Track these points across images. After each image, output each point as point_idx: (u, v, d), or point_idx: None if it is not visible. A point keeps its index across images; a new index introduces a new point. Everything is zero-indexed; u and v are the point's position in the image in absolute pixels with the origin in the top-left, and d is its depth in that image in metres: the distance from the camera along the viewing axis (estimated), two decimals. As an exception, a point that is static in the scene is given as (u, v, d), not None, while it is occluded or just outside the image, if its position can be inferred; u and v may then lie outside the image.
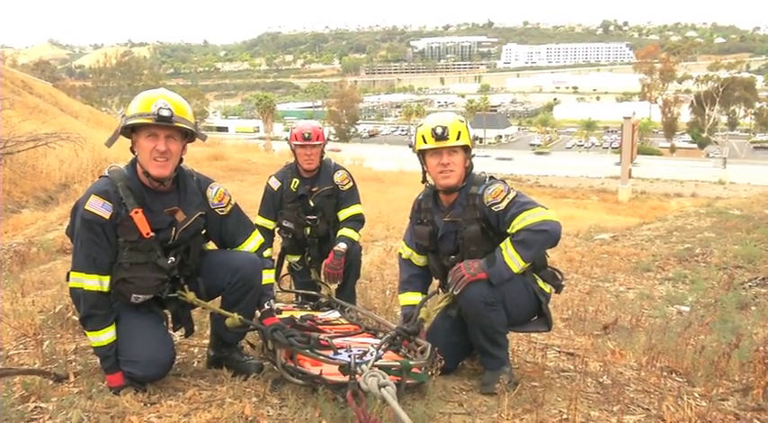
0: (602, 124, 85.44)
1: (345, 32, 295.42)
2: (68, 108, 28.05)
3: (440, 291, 3.18)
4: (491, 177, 3.02)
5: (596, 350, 3.54)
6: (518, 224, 2.77)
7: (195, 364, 3.06)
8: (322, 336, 2.99)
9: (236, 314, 2.82)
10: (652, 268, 6.63)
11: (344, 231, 4.19)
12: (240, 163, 24.13)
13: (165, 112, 2.50)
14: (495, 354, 2.89)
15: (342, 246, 4.10)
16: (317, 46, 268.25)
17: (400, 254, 3.33)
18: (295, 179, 4.23)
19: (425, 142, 2.93)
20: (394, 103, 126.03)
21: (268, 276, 3.01)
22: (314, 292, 4.22)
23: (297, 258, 4.41)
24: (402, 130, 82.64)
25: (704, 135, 69.48)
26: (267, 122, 71.74)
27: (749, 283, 5.71)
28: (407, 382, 2.53)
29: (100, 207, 2.58)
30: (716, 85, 71.75)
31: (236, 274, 2.83)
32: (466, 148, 2.94)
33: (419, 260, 3.24)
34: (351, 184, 4.30)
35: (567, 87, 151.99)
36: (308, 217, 4.22)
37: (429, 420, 2.40)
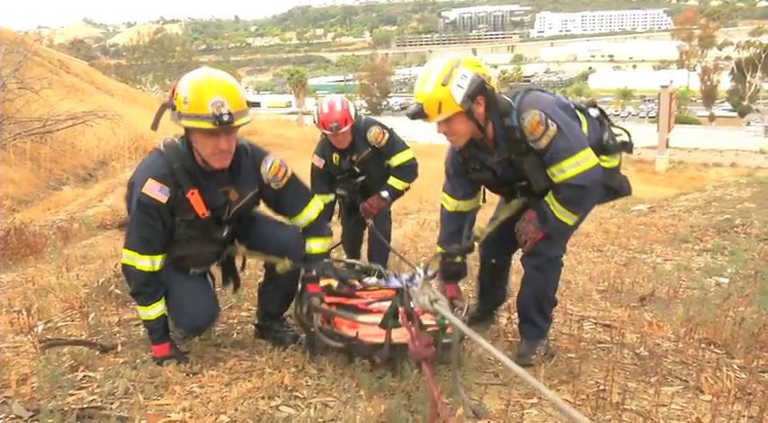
0: (639, 93, 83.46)
1: (376, 5, 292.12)
2: (104, 86, 28.47)
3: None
4: (517, 95, 2.75)
5: (633, 322, 3.52)
6: (558, 174, 2.63)
7: (235, 336, 3.13)
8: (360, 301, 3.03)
9: (286, 259, 2.83)
10: (690, 239, 6.52)
11: (390, 181, 4.35)
12: (274, 138, 24.29)
13: (226, 118, 2.42)
14: (538, 323, 2.88)
15: (384, 193, 4.31)
16: (347, 19, 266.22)
17: (443, 206, 3.10)
18: (335, 154, 4.32)
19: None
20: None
21: (321, 245, 2.99)
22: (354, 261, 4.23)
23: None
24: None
25: (745, 103, 67.46)
26: (299, 97, 71.67)
27: (791, 254, 5.59)
28: (444, 342, 2.50)
29: (157, 191, 2.59)
30: (758, 51, 69.36)
31: (284, 253, 2.86)
32: (463, 113, 2.59)
33: (467, 206, 3.03)
34: (386, 135, 4.27)
35: (603, 56, 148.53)
36: (358, 181, 4.37)
37: (466, 391, 2.43)
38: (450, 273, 3.08)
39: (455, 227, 3.06)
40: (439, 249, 3.08)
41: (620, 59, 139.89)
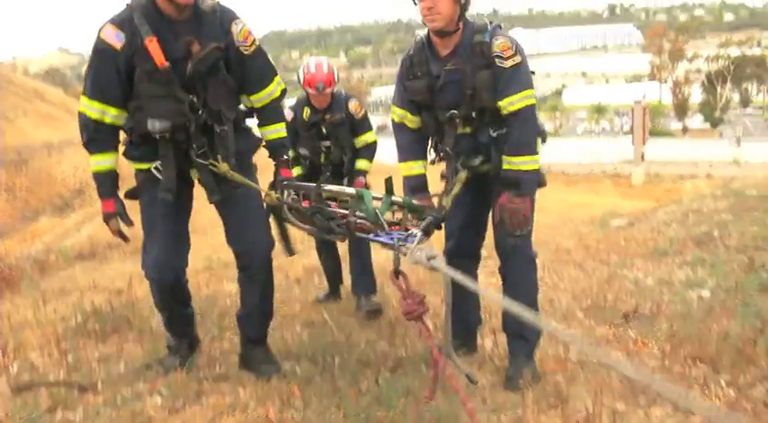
0: (613, 108, 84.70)
1: (350, 27, 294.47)
2: (79, 114, 28.21)
3: (434, 153, 3.09)
4: (492, 23, 2.88)
5: (618, 340, 3.52)
6: (508, 106, 2.74)
7: (218, 369, 3.07)
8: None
9: (272, 193, 2.89)
10: (670, 253, 6.55)
11: (360, 164, 4.40)
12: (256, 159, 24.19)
13: None
14: (528, 336, 2.89)
15: (361, 179, 4.36)
16: (322, 41, 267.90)
17: (393, 119, 3.12)
18: (306, 108, 4.33)
19: None
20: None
21: (281, 129, 3.02)
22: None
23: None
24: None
25: (717, 114, 68.69)
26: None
27: (770, 265, 5.63)
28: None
29: (114, 37, 2.55)
30: (727, 63, 70.84)
31: (249, 252, 2.92)
32: None
33: (414, 121, 3.03)
34: (363, 111, 4.44)
35: (576, 72, 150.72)
36: (323, 144, 4.34)
37: (454, 419, 2.39)
38: (416, 186, 3.06)
39: (405, 142, 3.08)
40: (403, 167, 3.08)
41: (592, 75, 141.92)
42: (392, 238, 2.47)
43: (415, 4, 2.82)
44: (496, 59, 2.73)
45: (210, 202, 2.86)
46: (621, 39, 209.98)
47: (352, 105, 4.37)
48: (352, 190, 2.74)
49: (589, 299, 4.63)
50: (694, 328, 3.44)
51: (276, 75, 2.95)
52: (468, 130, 2.89)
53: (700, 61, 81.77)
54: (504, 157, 2.79)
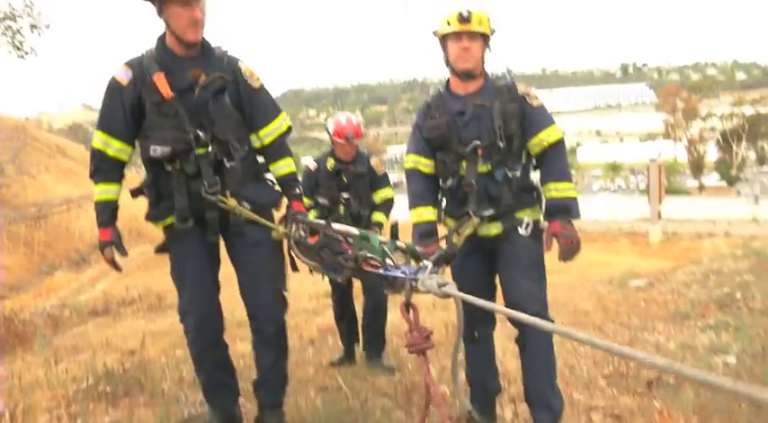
0: (628, 166, 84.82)
1: (366, 86, 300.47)
2: (100, 169, 28.71)
3: (443, 200, 3.15)
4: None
5: (643, 411, 3.39)
6: (546, 138, 2.96)
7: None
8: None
9: (280, 227, 2.91)
10: (692, 316, 6.41)
11: (376, 216, 4.49)
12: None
13: None
14: (553, 404, 2.87)
15: (376, 229, 4.42)
16: (338, 99, 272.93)
17: (406, 168, 3.19)
18: (331, 158, 4.46)
19: (449, 25, 2.95)
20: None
21: (289, 164, 3.06)
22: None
23: None
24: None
25: (733, 172, 68.48)
26: (294, 176, 72.73)
27: (796, 329, 5.48)
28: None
29: (122, 74, 2.75)
30: (741, 121, 71.04)
31: (259, 312, 2.98)
32: (485, 38, 2.98)
33: (428, 165, 3.11)
34: (384, 170, 4.62)
35: (590, 130, 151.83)
36: (343, 195, 4.41)
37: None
38: (425, 233, 3.07)
39: (418, 188, 3.14)
40: (413, 213, 3.12)
41: (606, 133, 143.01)
42: (403, 272, 2.45)
43: (443, 50, 3.03)
44: (525, 97, 2.99)
45: (209, 241, 2.90)
46: (635, 98, 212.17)
47: (374, 162, 4.57)
48: (357, 230, 2.70)
49: (610, 365, 4.50)
50: (722, 399, 3.31)
51: (282, 111, 3.07)
52: (486, 168, 2.95)
53: (714, 120, 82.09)
54: (548, 186, 2.98)
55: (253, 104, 2.93)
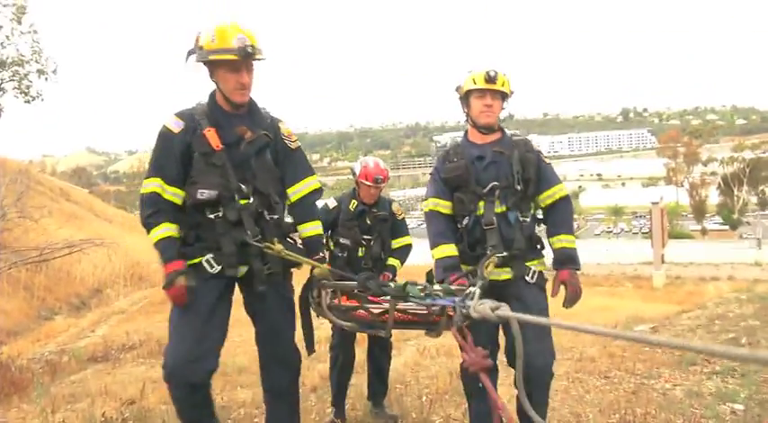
0: (630, 209, 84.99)
1: (369, 130, 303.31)
2: (103, 213, 28.84)
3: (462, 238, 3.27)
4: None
5: (651, 462, 3.32)
6: (558, 192, 3.32)
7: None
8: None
9: (324, 265, 3.02)
10: (698, 361, 6.32)
11: (392, 261, 4.52)
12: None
13: (249, 50, 2.80)
14: None
15: (389, 275, 4.43)
16: (342, 144, 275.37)
17: (426, 211, 3.40)
18: (354, 201, 4.47)
19: (475, 83, 3.25)
20: (420, 197, 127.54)
21: (315, 226, 3.18)
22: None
23: None
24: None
25: (735, 216, 68.49)
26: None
27: (804, 376, 5.39)
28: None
29: (173, 123, 2.92)
30: (742, 165, 71.42)
31: (276, 368, 3.06)
32: (504, 96, 3.32)
33: (447, 206, 3.31)
34: (403, 215, 4.70)
35: (592, 175, 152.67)
36: (365, 237, 4.41)
37: None
38: (449, 266, 3.17)
39: (439, 229, 3.30)
40: (435, 251, 3.24)
41: (608, 178, 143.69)
42: (452, 301, 2.50)
43: (464, 104, 3.38)
44: (540, 154, 3.35)
45: (258, 290, 2.95)
46: (636, 143, 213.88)
47: (395, 207, 4.64)
48: (392, 285, 2.71)
49: (617, 414, 4.43)
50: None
51: (314, 173, 3.25)
52: (502, 209, 3.20)
53: (715, 164, 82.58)
54: (558, 237, 3.29)
55: (288, 163, 3.12)
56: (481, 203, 3.20)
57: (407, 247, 4.66)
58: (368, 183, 4.38)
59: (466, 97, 3.35)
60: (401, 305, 2.76)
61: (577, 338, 7.92)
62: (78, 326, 11.35)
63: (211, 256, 2.87)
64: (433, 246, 3.27)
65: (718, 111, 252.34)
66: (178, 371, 2.80)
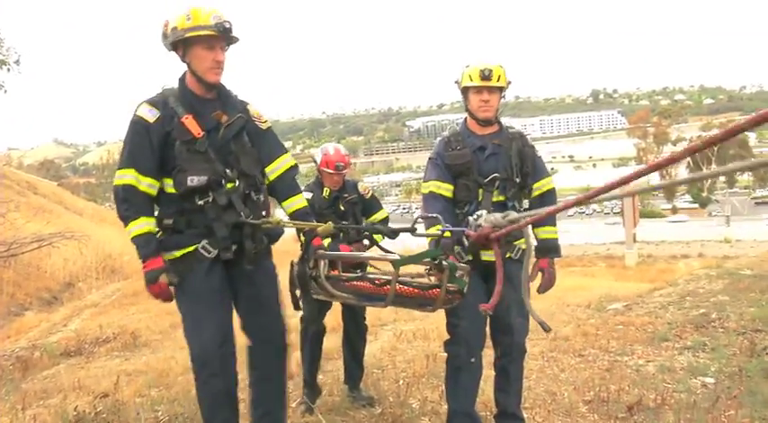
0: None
1: (342, 117, 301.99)
2: (73, 206, 28.33)
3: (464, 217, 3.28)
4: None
5: (624, 436, 3.37)
6: (546, 184, 3.54)
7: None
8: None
9: (330, 223, 3.08)
10: (669, 337, 6.43)
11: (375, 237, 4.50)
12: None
13: (226, 25, 2.84)
14: (522, 417, 3.41)
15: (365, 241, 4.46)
16: (315, 131, 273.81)
17: (425, 193, 3.47)
18: (327, 188, 4.53)
19: (471, 80, 3.37)
20: (394, 183, 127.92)
21: (300, 200, 3.23)
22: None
23: None
24: (404, 208, 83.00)
25: (704, 194, 69.74)
26: (271, 207, 72.52)
27: (772, 348, 5.51)
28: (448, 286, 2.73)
29: (147, 112, 2.89)
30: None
31: (268, 337, 3.10)
32: (501, 89, 3.45)
33: (448, 189, 3.40)
34: (371, 192, 4.73)
35: (564, 156, 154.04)
36: (342, 222, 4.42)
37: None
38: (446, 245, 3.18)
39: (436, 210, 3.29)
40: (432, 230, 3.24)
41: (580, 159, 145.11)
42: (466, 224, 2.72)
43: (464, 98, 3.48)
44: (533, 149, 3.54)
45: (246, 268, 2.99)
46: (606, 124, 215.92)
47: (361, 187, 4.68)
48: (395, 255, 2.77)
49: (591, 391, 4.49)
50: (702, 421, 3.30)
51: (287, 151, 3.28)
52: (501, 198, 3.36)
53: (684, 144, 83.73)
54: (544, 228, 3.49)
55: (261, 144, 3.14)
56: (480, 191, 3.36)
57: (386, 221, 4.73)
58: (330, 170, 4.45)
59: (464, 92, 3.46)
60: (403, 277, 2.82)
61: (552, 318, 8.00)
62: (50, 321, 11.16)
63: (206, 241, 2.88)
64: (430, 225, 3.32)
65: (687, 91, 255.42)
66: (208, 359, 2.84)
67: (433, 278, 2.92)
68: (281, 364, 3.18)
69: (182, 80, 3.01)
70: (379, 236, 4.53)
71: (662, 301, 8.78)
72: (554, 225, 3.56)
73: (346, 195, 4.56)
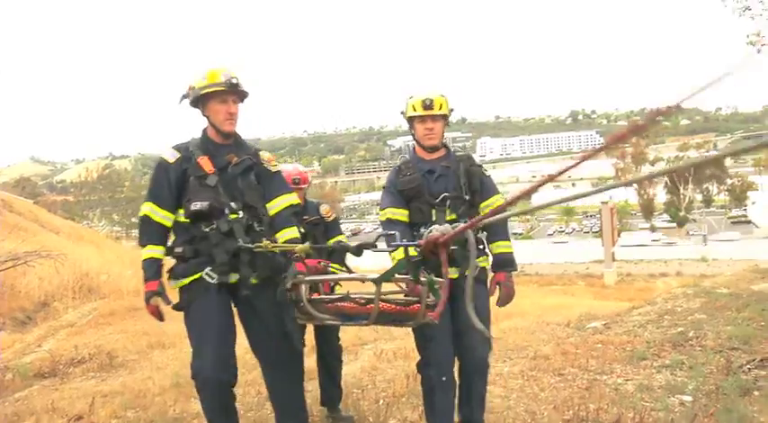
0: (581, 209, 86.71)
1: (323, 135, 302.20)
2: (49, 224, 27.91)
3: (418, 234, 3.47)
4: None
5: (604, 456, 3.37)
6: (495, 202, 3.66)
7: None
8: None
9: (307, 244, 3.33)
10: (648, 356, 6.47)
11: (332, 268, 4.57)
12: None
13: (234, 81, 3.32)
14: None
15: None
16: (296, 150, 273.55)
17: (382, 220, 3.68)
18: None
19: (415, 110, 3.60)
20: (375, 201, 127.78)
21: (293, 231, 3.50)
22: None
23: None
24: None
25: (682, 214, 70.58)
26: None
27: (748, 366, 5.57)
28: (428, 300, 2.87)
29: (169, 155, 3.39)
30: (667, 165, 73.46)
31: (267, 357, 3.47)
32: (444, 117, 3.66)
33: (402, 215, 3.61)
34: (334, 216, 4.81)
35: (543, 175, 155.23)
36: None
37: None
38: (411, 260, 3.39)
39: (398, 230, 3.40)
40: (393, 255, 3.37)
41: (559, 179, 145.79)
42: (420, 234, 3.05)
43: (410, 127, 3.70)
44: (480, 168, 3.72)
45: (243, 294, 3.30)
46: (585, 144, 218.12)
47: (323, 210, 4.73)
48: (374, 275, 2.88)
49: (571, 410, 4.50)
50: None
51: (292, 192, 3.65)
52: (452, 216, 3.53)
53: (661, 164, 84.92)
54: (497, 243, 3.66)
55: (267, 184, 3.54)
56: (433, 211, 3.55)
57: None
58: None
59: (410, 121, 3.67)
60: (384, 294, 2.95)
61: (532, 337, 8.02)
62: (23, 341, 10.92)
63: (209, 268, 3.24)
64: (392, 250, 3.43)
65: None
66: (211, 373, 3.17)
67: (406, 295, 3.06)
68: (293, 381, 3.50)
69: (204, 131, 3.50)
70: (336, 266, 4.64)
71: (640, 320, 8.84)
72: (508, 240, 3.72)
73: (306, 217, 4.59)
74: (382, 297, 2.86)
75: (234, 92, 3.38)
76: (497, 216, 2.24)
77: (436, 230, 2.73)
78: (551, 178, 1.65)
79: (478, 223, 3.08)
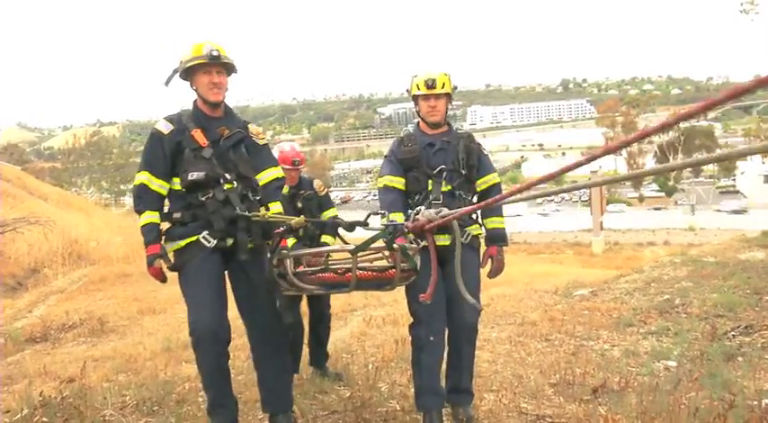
0: (571, 179, 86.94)
1: (313, 103, 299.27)
2: (37, 191, 27.73)
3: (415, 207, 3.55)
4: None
5: (588, 418, 3.44)
6: (491, 179, 3.85)
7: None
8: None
9: (302, 217, 3.48)
10: (634, 322, 6.57)
11: (325, 238, 4.78)
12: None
13: (215, 53, 3.42)
14: (473, 390, 3.70)
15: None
16: (285, 117, 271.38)
17: (380, 187, 3.84)
18: (286, 186, 4.57)
19: (419, 89, 3.75)
20: (365, 169, 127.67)
21: (277, 207, 3.61)
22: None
23: None
24: (374, 195, 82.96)
25: (671, 183, 70.97)
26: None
27: (732, 333, 5.67)
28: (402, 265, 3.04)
29: (163, 126, 3.49)
30: (677, 134, 73.77)
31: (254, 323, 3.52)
32: (448, 95, 3.79)
33: (399, 183, 3.77)
34: (326, 190, 4.99)
35: (533, 145, 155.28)
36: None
37: None
38: (397, 230, 3.46)
39: (391, 199, 3.73)
40: (391, 217, 3.51)
41: (549, 147, 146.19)
42: (407, 218, 3.29)
43: (415, 104, 3.85)
44: (480, 146, 3.88)
45: (241, 259, 3.42)
46: (576, 113, 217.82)
47: (317, 185, 4.92)
48: (351, 246, 3.06)
49: (557, 374, 4.57)
50: (664, 403, 3.39)
51: (277, 165, 3.77)
52: (448, 187, 3.70)
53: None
54: (491, 218, 3.81)
55: (255, 156, 3.65)
56: (430, 182, 3.70)
57: (335, 217, 4.88)
58: (287, 166, 4.59)
59: (414, 99, 3.83)
60: (361, 262, 3.11)
61: (520, 304, 8.12)
62: (15, 307, 10.96)
63: (207, 232, 3.35)
64: (384, 215, 3.55)
65: (655, 81, 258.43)
66: (206, 330, 3.23)
67: (388, 260, 3.21)
68: (278, 346, 3.56)
69: (194, 103, 3.59)
70: (330, 238, 4.79)
71: (627, 288, 8.95)
72: (501, 215, 3.87)
73: (302, 192, 4.78)
74: (359, 266, 3.03)
75: (217, 63, 3.48)
76: (483, 203, 2.33)
77: (423, 216, 2.94)
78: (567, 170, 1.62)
79: (465, 213, 3.20)
